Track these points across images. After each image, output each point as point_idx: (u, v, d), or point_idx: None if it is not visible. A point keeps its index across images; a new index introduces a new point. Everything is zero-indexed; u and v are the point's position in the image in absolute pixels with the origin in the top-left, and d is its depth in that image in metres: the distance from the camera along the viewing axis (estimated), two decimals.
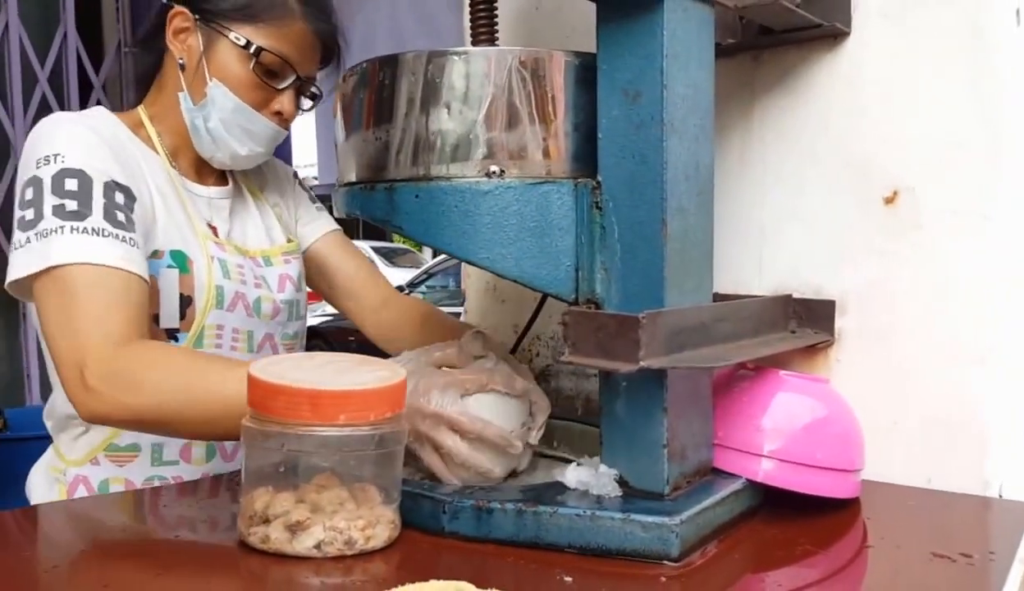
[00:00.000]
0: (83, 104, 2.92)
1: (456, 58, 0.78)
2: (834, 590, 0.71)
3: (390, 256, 12.78)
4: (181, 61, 1.12)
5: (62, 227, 0.96)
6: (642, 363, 0.70)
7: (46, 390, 1.18)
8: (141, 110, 1.17)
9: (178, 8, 1.12)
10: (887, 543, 0.81)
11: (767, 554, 0.78)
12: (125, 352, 0.93)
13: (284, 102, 1.14)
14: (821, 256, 1.03)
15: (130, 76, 3.08)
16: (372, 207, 0.82)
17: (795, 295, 1.03)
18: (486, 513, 0.77)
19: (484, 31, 0.90)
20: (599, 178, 0.80)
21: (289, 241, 1.28)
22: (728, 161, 1.09)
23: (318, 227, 1.34)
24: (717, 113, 1.08)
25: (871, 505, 0.90)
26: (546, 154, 0.80)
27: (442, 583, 0.53)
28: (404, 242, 14.78)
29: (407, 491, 0.80)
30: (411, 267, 11.07)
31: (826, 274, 1.03)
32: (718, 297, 1.06)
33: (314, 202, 1.37)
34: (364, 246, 13.08)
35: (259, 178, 1.30)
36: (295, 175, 1.38)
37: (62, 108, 2.85)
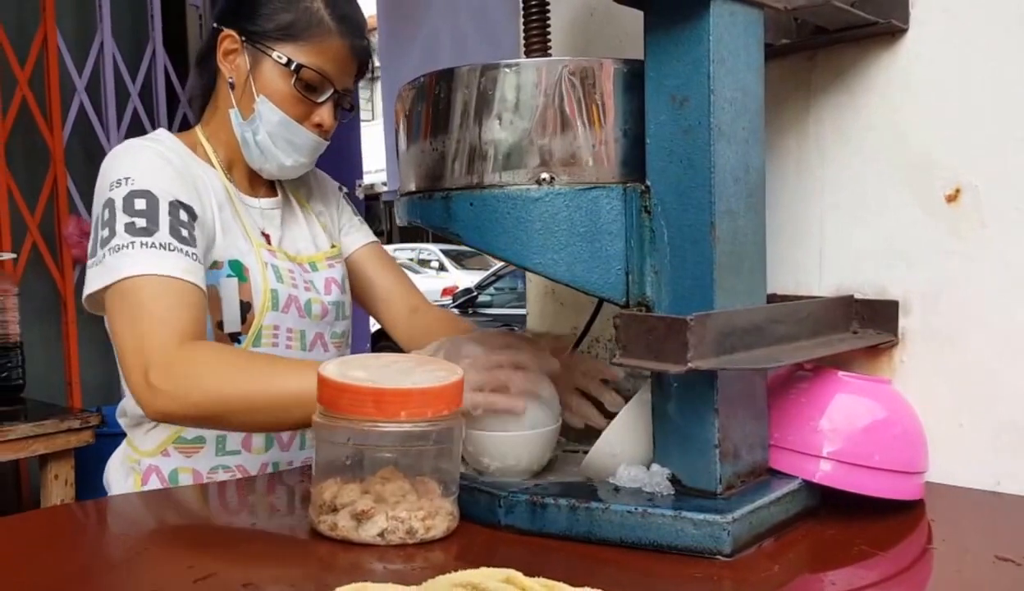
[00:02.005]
0: (171, 116, 3.06)
1: (507, 70, 0.81)
2: (895, 588, 0.71)
3: (459, 259, 12.89)
4: (231, 80, 1.22)
5: (132, 242, 1.05)
6: (690, 364, 0.72)
7: None
8: (198, 130, 1.27)
9: (227, 31, 1.21)
10: (950, 545, 0.80)
11: (824, 553, 0.79)
12: (186, 353, 1.00)
13: (323, 114, 1.22)
14: (883, 256, 1.02)
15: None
16: (430, 215, 0.86)
17: (857, 296, 1.02)
18: (540, 508, 0.80)
19: (537, 42, 0.92)
20: (648, 183, 0.81)
21: (333, 246, 1.36)
22: (785, 163, 1.09)
23: (357, 239, 1.42)
24: (773, 114, 1.09)
25: (935, 507, 0.89)
26: (595, 160, 0.82)
27: (492, 570, 0.56)
28: None
29: (465, 485, 0.84)
30: (480, 270, 11.14)
31: (888, 274, 1.01)
32: (778, 298, 1.07)
33: (356, 215, 1.45)
34: (434, 249, 13.23)
35: (305, 188, 1.39)
36: (340, 188, 1.47)
37: (152, 121, 2.98)
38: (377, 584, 0.59)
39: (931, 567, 0.76)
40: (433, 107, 0.86)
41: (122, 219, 1.06)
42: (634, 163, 0.83)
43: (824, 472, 0.85)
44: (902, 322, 1.00)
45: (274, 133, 1.20)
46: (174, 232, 1.07)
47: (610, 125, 0.82)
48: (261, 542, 0.85)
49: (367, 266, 1.41)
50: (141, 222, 1.06)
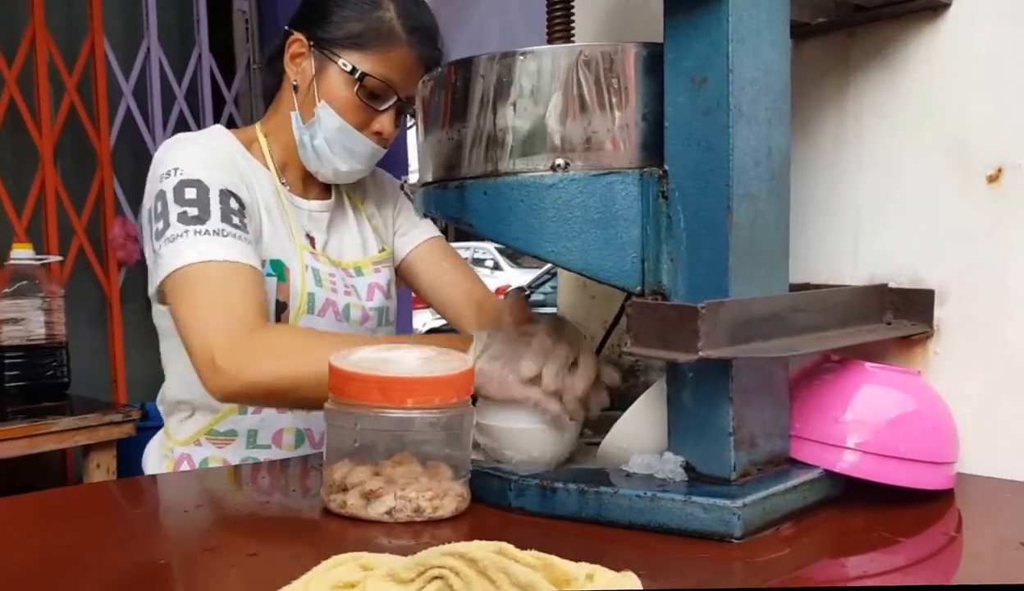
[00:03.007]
0: (216, 118, 3.11)
1: (522, 57, 0.81)
2: (912, 576, 0.69)
3: (514, 257, 12.91)
4: (295, 83, 1.23)
5: (186, 231, 1.07)
6: (701, 353, 0.71)
7: None
8: (258, 127, 1.28)
9: (296, 35, 1.22)
10: (977, 534, 0.78)
11: (842, 539, 0.77)
12: (251, 335, 1.02)
13: (384, 122, 1.22)
14: (920, 241, 0.99)
15: (258, 91, 3.26)
16: (445, 205, 0.86)
17: (891, 285, 1.00)
18: (550, 492, 0.80)
19: (560, 28, 0.92)
20: (665, 167, 0.80)
21: (382, 250, 1.36)
22: (822, 144, 1.07)
23: (417, 235, 1.41)
24: (811, 93, 1.07)
25: (966, 498, 0.87)
26: (612, 146, 0.81)
27: (484, 543, 0.56)
28: None
29: (477, 470, 0.84)
30: (535, 267, 11.15)
31: (925, 261, 0.98)
32: (811, 288, 1.05)
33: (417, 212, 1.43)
34: (489, 247, 13.26)
35: (362, 190, 1.39)
36: (402, 186, 1.45)
37: (197, 124, 3.04)
38: (373, 554, 0.59)
39: (955, 555, 0.74)
40: (451, 96, 0.85)
41: (174, 209, 1.08)
42: (653, 148, 0.82)
43: (846, 461, 0.83)
44: (937, 312, 0.97)
45: (331, 139, 1.20)
46: (226, 218, 1.09)
47: (628, 110, 0.81)
48: (273, 519, 0.87)
49: (428, 262, 1.40)
50: (193, 211, 1.08)
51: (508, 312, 1.04)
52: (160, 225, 1.09)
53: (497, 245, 12.97)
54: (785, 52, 0.83)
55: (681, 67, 0.79)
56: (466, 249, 13.44)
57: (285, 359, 1.00)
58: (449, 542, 0.57)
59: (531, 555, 0.58)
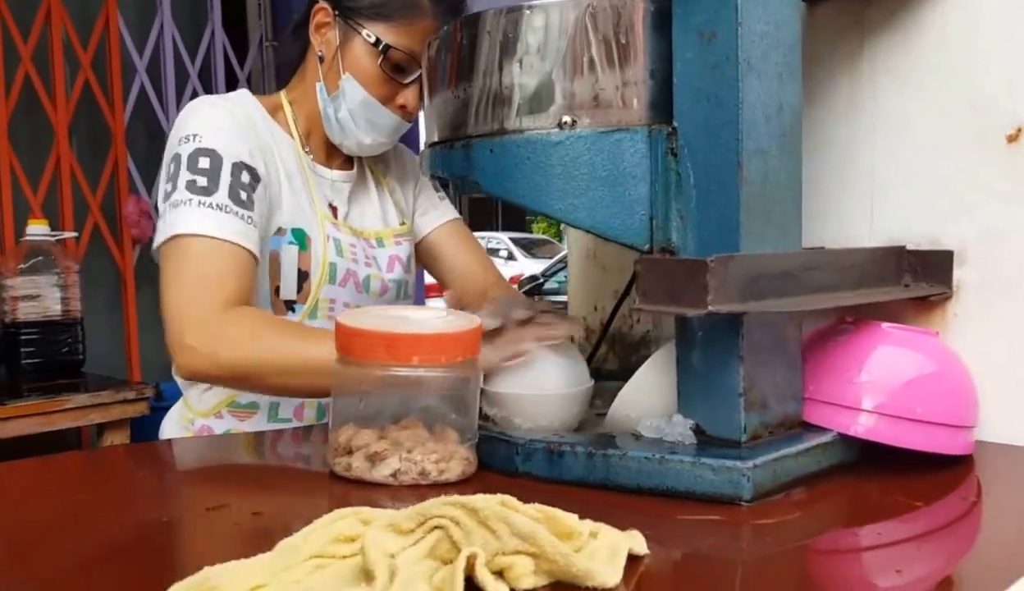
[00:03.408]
0: None
1: (528, 11, 0.79)
2: (929, 543, 0.68)
3: (529, 247, 12.94)
4: (320, 53, 1.21)
5: (190, 200, 1.06)
6: (710, 307, 0.69)
7: None
8: (283, 94, 1.27)
9: (322, 3, 1.21)
10: (995, 500, 0.76)
11: (856, 504, 0.76)
12: (225, 315, 1.02)
13: (408, 96, 1.20)
14: (937, 203, 0.97)
15: (271, 68, 3.26)
16: (451, 164, 0.85)
17: (909, 247, 0.98)
18: (557, 455, 0.79)
19: None
20: (674, 124, 0.79)
21: (402, 224, 1.35)
22: (835, 108, 1.05)
23: (437, 216, 1.40)
24: (824, 56, 1.05)
25: (985, 464, 0.85)
26: (620, 103, 0.79)
27: (488, 495, 0.55)
28: (543, 233, 14.94)
29: (484, 435, 0.83)
30: (549, 258, 11.18)
31: (943, 223, 0.96)
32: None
33: (438, 191, 1.43)
34: (503, 237, 13.30)
35: (384, 164, 1.38)
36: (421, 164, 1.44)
37: None
38: (375, 509, 0.59)
39: (974, 522, 0.72)
40: (457, 54, 0.84)
41: (185, 176, 1.08)
42: (662, 106, 0.80)
43: (862, 424, 0.81)
44: (956, 273, 0.95)
45: (355, 112, 1.19)
46: (233, 194, 1.08)
47: (636, 66, 0.79)
48: (279, 481, 0.87)
49: (444, 245, 1.39)
50: (202, 181, 1.07)
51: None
52: (169, 187, 1.09)
53: (511, 235, 13.02)
54: (796, 7, 0.81)
55: (689, 22, 0.77)
56: (481, 238, 13.48)
57: (253, 344, 1.00)
58: None
59: (534, 508, 0.57)
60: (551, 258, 11.09)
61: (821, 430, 0.82)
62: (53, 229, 2.32)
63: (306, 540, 0.55)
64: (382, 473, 0.78)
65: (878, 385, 0.82)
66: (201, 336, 1.00)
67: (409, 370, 0.77)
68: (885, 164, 1.02)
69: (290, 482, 0.86)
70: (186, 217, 1.05)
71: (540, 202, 0.79)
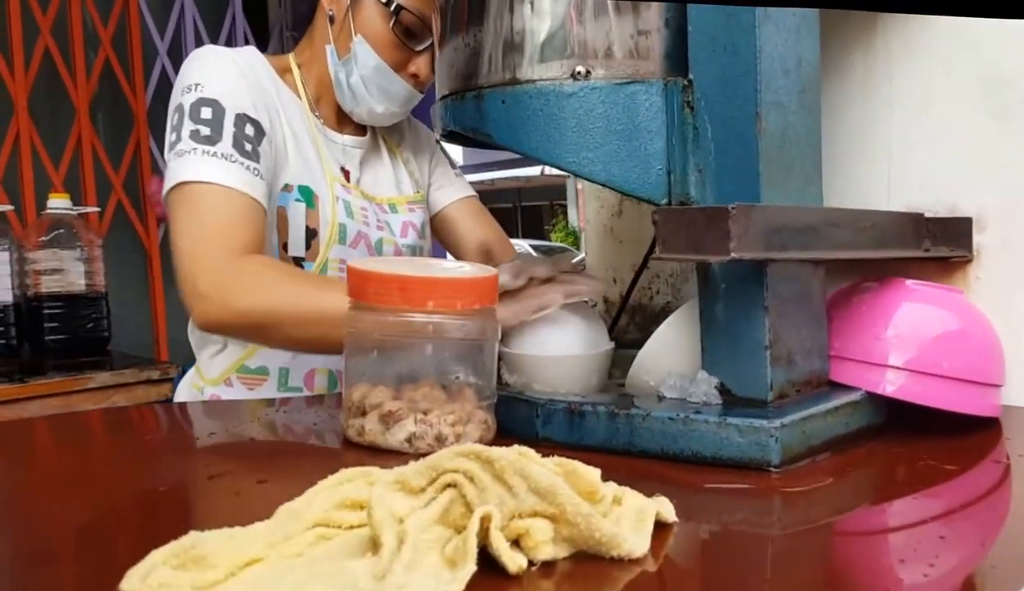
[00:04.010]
0: None
1: None
2: (970, 511, 0.64)
3: (548, 253, 12.94)
4: (330, 13, 1.18)
5: (195, 149, 1.04)
6: (733, 254, 0.67)
7: None
8: (291, 57, 1.24)
9: None
10: None
11: (888, 471, 0.73)
12: (237, 263, 1.00)
13: (420, 64, 1.17)
14: (954, 172, 0.95)
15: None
16: (462, 117, 0.83)
17: (928, 215, 0.95)
18: (578, 417, 0.77)
19: None
20: (691, 76, 0.76)
21: (417, 192, 1.33)
22: (852, 80, 1.03)
23: (453, 192, 1.38)
24: (839, 32, 1.03)
25: (1012, 428, 0.82)
26: (634, 53, 0.77)
27: (506, 448, 0.52)
28: (561, 241, 14.99)
29: (503, 396, 0.81)
30: (580, 257, 11.19)
31: (961, 190, 0.95)
32: None
33: (453, 168, 1.41)
34: (523, 244, 13.34)
35: (398, 134, 1.36)
36: (438, 141, 1.42)
37: None
38: (384, 470, 0.56)
39: (1010, 487, 0.69)
40: None
41: (188, 126, 1.06)
42: (676, 58, 0.78)
43: (890, 382, 0.79)
44: (976, 238, 0.94)
45: (368, 78, 1.16)
46: (237, 144, 1.06)
47: (650, 13, 0.77)
48: (289, 448, 0.85)
49: (460, 221, 1.37)
50: (205, 131, 1.05)
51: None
52: (173, 137, 1.07)
53: (531, 242, 13.04)
54: None
55: None
56: None
57: (267, 292, 0.98)
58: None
59: (553, 462, 0.55)
60: (575, 259, 11.12)
61: (848, 389, 0.80)
62: (76, 205, 2.32)
63: (309, 504, 0.52)
64: (397, 438, 0.75)
65: (906, 340, 0.80)
66: (215, 284, 0.99)
67: (424, 316, 0.74)
68: (902, 136, 1.00)
69: (301, 450, 0.84)
70: (192, 164, 1.03)
71: (554, 155, 0.77)
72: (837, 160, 1.04)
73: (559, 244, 14.51)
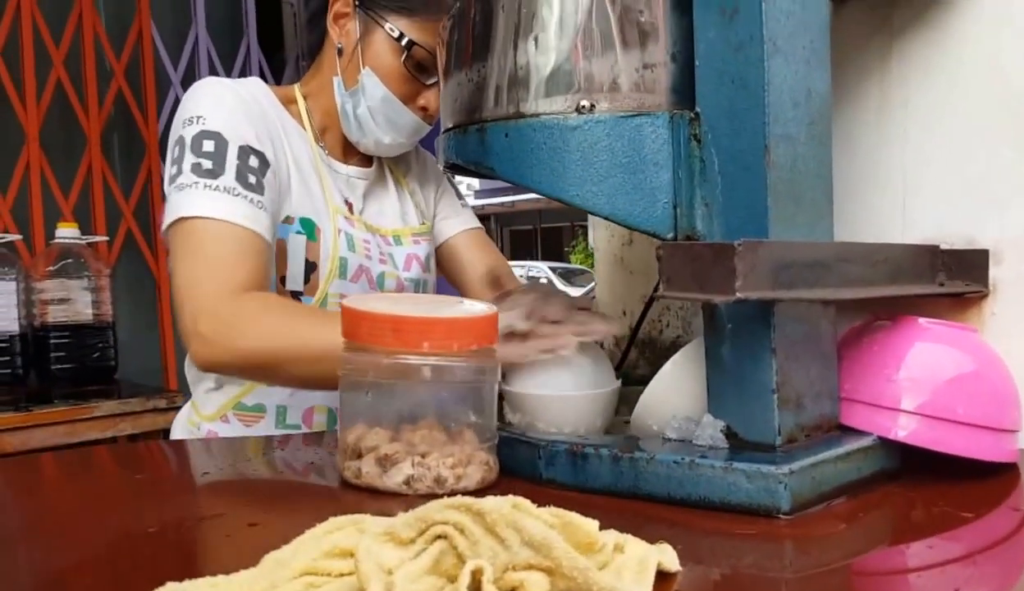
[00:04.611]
0: None
1: None
2: (985, 558, 0.62)
3: (568, 276, 13.04)
4: (339, 46, 1.17)
5: (196, 183, 1.02)
6: (738, 294, 0.65)
7: None
8: (297, 87, 1.23)
9: None
10: None
11: (902, 518, 0.71)
12: (236, 302, 0.98)
13: (430, 97, 1.16)
14: (971, 202, 0.93)
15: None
16: (465, 150, 0.81)
17: (943, 246, 0.93)
18: (581, 459, 0.75)
19: None
20: (697, 109, 0.75)
21: (423, 224, 1.31)
22: (866, 107, 1.01)
23: (458, 222, 1.36)
24: (853, 58, 1.01)
25: None
26: (640, 87, 0.76)
27: (500, 498, 0.50)
28: (580, 263, 15.04)
29: (505, 436, 0.79)
30: (586, 286, 11.22)
31: (978, 221, 0.92)
32: None
33: (460, 198, 1.39)
34: (543, 266, 13.36)
35: (405, 164, 1.34)
36: (446, 171, 1.41)
37: None
38: (376, 518, 0.54)
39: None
40: (471, 33, 0.81)
41: (189, 159, 1.04)
42: (683, 91, 0.76)
43: (902, 427, 0.76)
44: (993, 272, 0.91)
45: (375, 109, 1.15)
46: (240, 177, 1.04)
47: (655, 47, 0.76)
48: (284, 489, 0.82)
49: (464, 253, 1.35)
50: (207, 164, 1.03)
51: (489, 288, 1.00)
52: (174, 170, 1.05)
53: (551, 264, 13.07)
54: None
55: None
56: (520, 268, 13.52)
57: (269, 330, 0.96)
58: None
59: (549, 512, 0.53)
60: (588, 286, 11.13)
61: (860, 433, 0.77)
62: (85, 234, 2.31)
63: (296, 553, 0.50)
64: (394, 480, 0.73)
65: (918, 384, 0.77)
66: (214, 324, 0.96)
67: (419, 358, 0.71)
68: (917, 163, 0.98)
69: (294, 490, 0.82)
70: (192, 199, 1.01)
71: (557, 189, 0.75)
72: (850, 189, 1.01)
73: (579, 266, 14.52)
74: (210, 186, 1.02)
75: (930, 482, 0.75)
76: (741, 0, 0.71)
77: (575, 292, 11.36)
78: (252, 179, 1.05)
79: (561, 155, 0.75)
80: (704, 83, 0.74)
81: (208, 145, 1.04)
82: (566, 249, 17.76)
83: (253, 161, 1.06)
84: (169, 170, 1.06)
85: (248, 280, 1.00)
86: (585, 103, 0.75)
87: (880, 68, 1.00)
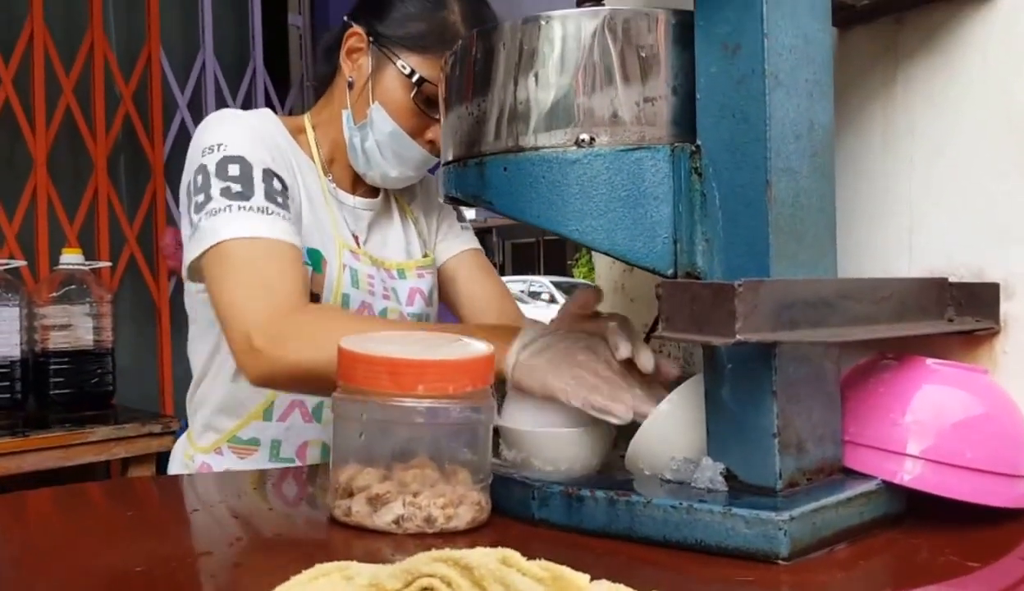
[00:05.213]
0: None
1: (544, 22, 0.75)
2: None
3: (570, 290, 12.92)
4: (350, 80, 1.18)
5: (229, 206, 1.02)
6: (739, 336, 0.63)
7: None
8: (306, 118, 1.23)
9: (356, 28, 1.17)
10: None
11: (905, 566, 0.68)
12: (291, 315, 0.98)
13: (438, 131, 1.15)
14: (981, 234, 0.90)
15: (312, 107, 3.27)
16: (465, 184, 0.80)
17: (952, 279, 0.91)
18: (576, 501, 0.73)
19: None
20: (698, 142, 0.73)
21: (425, 255, 1.31)
22: (871, 135, 0.99)
23: (457, 244, 1.35)
24: (857, 84, 1.00)
25: None
26: (641, 120, 0.74)
27: (488, 550, 0.48)
28: (584, 277, 14.94)
29: (499, 475, 0.77)
30: None
31: (988, 254, 0.89)
32: None
33: (461, 221, 1.39)
34: (545, 281, 13.30)
35: (409, 193, 1.34)
36: None
37: None
38: (363, 565, 0.52)
39: None
40: (472, 68, 0.80)
41: (217, 184, 1.04)
42: (684, 124, 0.75)
43: (908, 472, 0.74)
44: (1003, 307, 0.88)
45: (383, 143, 1.15)
46: (269, 196, 1.05)
47: (655, 81, 0.75)
48: (271, 527, 0.80)
49: (461, 275, 1.34)
50: (236, 187, 1.04)
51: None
52: (200, 197, 1.04)
53: (553, 279, 13.01)
54: (826, 21, 0.76)
55: (713, 33, 0.72)
56: (523, 282, 13.48)
57: (325, 341, 0.93)
58: None
59: (539, 565, 0.51)
60: None
61: (864, 477, 0.75)
62: (88, 259, 2.32)
63: None
64: (384, 520, 0.71)
65: (925, 427, 0.75)
66: (269, 338, 0.95)
67: (414, 401, 0.70)
68: (924, 194, 0.95)
69: (283, 529, 0.80)
70: (229, 222, 1.01)
71: (556, 223, 0.74)
72: (855, 219, 0.99)
73: (582, 280, 14.45)
74: (244, 208, 1.02)
75: (936, 528, 0.73)
76: (743, 36, 0.70)
77: None
78: (280, 199, 1.06)
79: (560, 189, 0.73)
80: (705, 116, 0.73)
81: (233, 169, 1.05)
82: (569, 262, 17.65)
83: (276, 184, 1.07)
84: (195, 199, 1.06)
85: (296, 293, 1.01)
86: (585, 137, 0.74)
87: (885, 94, 0.98)
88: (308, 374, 0.95)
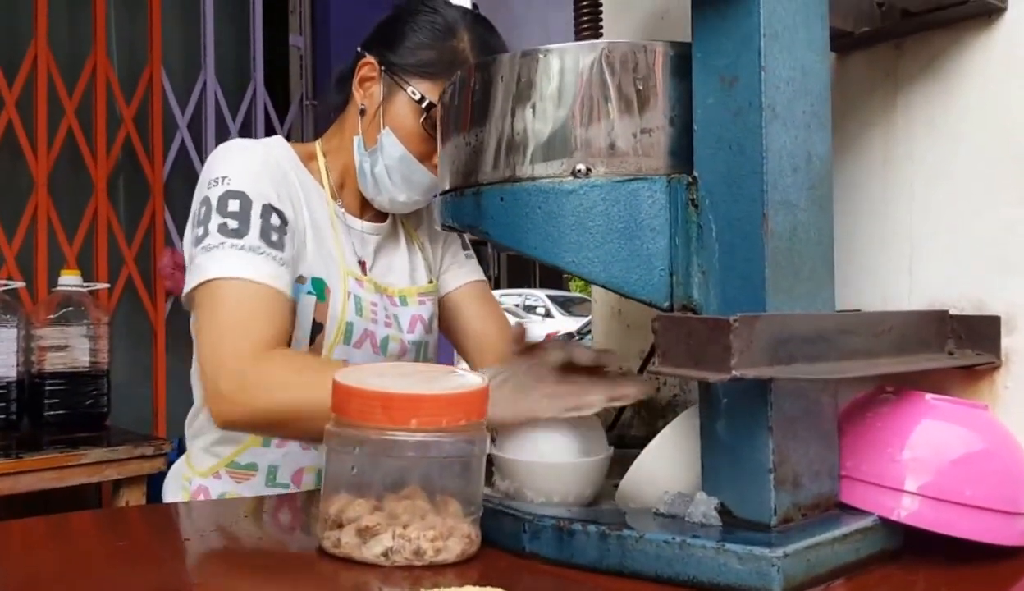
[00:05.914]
0: None
1: (542, 55, 0.75)
2: None
3: (567, 305, 12.90)
4: (362, 107, 1.20)
5: (223, 243, 1.04)
6: (734, 372, 0.62)
7: None
8: (318, 144, 1.26)
9: (368, 58, 1.20)
10: None
11: None
12: (256, 362, 0.98)
13: None
14: (981, 265, 0.89)
15: (311, 126, 3.28)
16: (461, 213, 0.80)
17: (952, 311, 0.90)
18: (568, 535, 0.72)
19: (587, 25, 0.86)
20: (695, 173, 0.73)
21: (430, 282, 1.31)
22: (870, 161, 0.98)
23: (461, 275, 1.36)
24: (857, 110, 0.99)
25: None
26: (637, 151, 0.74)
27: (473, 589, 0.47)
28: (580, 291, 14.87)
29: (489, 507, 0.77)
30: (586, 315, 11.15)
31: (989, 286, 0.88)
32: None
33: (465, 249, 1.40)
34: (540, 294, 13.23)
35: (416, 218, 1.35)
36: None
37: None
38: None
39: None
40: (470, 99, 0.80)
41: (216, 219, 1.06)
42: (681, 154, 0.75)
43: (905, 508, 0.73)
44: (1005, 341, 0.87)
45: (392, 168, 1.17)
46: (264, 235, 1.06)
47: (652, 112, 0.74)
48: (260, 558, 0.79)
49: (464, 307, 1.35)
50: (233, 224, 1.05)
51: (513, 342, 0.98)
52: (200, 231, 1.07)
53: (549, 292, 12.95)
54: (824, 53, 0.75)
55: (710, 65, 0.72)
56: (518, 296, 13.43)
57: (287, 388, 0.96)
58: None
59: None
60: (587, 316, 11.04)
61: (860, 513, 0.74)
62: (87, 280, 2.31)
63: None
64: (373, 552, 0.70)
65: (923, 464, 0.74)
66: (233, 383, 0.97)
67: (407, 434, 0.70)
68: (924, 223, 0.94)
69: (272, 560, 0.79)
70: (219, 261, 1.03)
71: (552, 254, 0.73)
72: (854, 249, 0.98)
73: (578, 294, 14.41)
74: (236, 246, 1.04)
75: (933, 565, 0.72)
76: (741, 68, 0.70)
77: (573, 321, 11.26)
78: (275, 237, 1.07)
79: (556, 220, 0.73)
80: (702, 148, 0.73)
81: (233, 205, 1.07)
82: (565, 276, 17.59)
83: (275, 220, 1.08)
84: (195, 231, 1.08)
85: (269, 338, 1.01)
86: (581, 167, 0.73)
87: (884, 121, 0.98)
88: (271, 421, 0.97)
